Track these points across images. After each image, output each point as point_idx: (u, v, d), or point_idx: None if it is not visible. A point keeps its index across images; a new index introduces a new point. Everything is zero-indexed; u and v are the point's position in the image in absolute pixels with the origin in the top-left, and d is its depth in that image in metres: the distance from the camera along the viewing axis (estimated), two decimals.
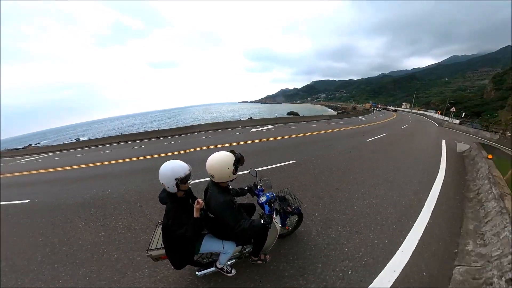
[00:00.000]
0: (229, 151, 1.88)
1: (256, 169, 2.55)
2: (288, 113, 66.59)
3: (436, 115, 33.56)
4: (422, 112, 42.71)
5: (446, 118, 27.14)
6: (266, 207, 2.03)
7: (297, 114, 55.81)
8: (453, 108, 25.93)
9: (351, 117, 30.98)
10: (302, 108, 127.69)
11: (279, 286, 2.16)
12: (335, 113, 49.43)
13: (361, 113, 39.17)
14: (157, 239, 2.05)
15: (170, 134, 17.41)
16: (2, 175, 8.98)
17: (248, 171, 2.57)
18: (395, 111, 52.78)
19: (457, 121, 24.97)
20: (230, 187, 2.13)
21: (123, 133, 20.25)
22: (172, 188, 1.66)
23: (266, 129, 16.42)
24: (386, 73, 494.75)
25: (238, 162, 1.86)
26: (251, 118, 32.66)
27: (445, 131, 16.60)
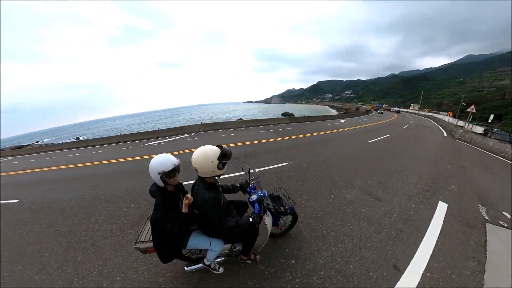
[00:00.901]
0: (216, 145, 1.83)
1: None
2: (283, 114, 63.70)
3: (446, 118, 27.13)
4: (430, 114, 37.10)
5: (461, 123, 20.33)
6: (256, 206, 1.92)
7: (291, 115, 53.12)
8: (473, 107, 16.12)
9: (334, 119, 27.93)
10: (304, 109, 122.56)
11: (268, 287, 2.12)
12: (336, 113, 48.94)
13: (361, 114, 36.38)
14: (146, 232, 2.02)
15: (156, 136, 17.12)
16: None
17: (242, 169, 2.51)
18: (398, 112, 48.69)
19: (479, 129, 16.72)
20: (219, 183, 2.07)
21: (121, 133, 21.08)
22: (159, 182, 1.66)
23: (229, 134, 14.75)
24: (397, 73, 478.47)
25: (224, 156, 1.79)
26: (241, 119, 31.40)
27: (457, 148, 9.35)
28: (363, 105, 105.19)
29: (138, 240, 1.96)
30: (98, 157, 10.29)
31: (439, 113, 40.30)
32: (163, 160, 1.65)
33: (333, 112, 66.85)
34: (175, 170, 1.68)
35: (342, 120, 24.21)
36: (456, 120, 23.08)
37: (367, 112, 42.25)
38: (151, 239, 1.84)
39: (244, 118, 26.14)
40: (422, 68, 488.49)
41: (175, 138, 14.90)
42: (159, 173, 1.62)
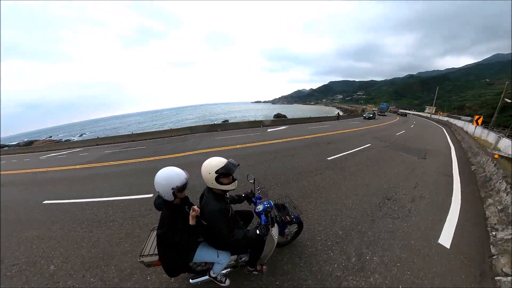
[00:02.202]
0: (226, 159, 1.79)
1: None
2: (275, 116, 58.61)
3: (469, 127, 15.77)
4: (447, 119, 27.54)
5: (507, 142, 10.13)
6: (263, 217, 1.90)
7: (284, 116, 48.09)
8: None
9: (324, 121, 24.08)
10: (308, 110, 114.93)
11: None
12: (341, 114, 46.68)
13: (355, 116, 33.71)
14: (151, 245, 2.01)
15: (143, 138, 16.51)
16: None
17: (247, 179, 2.46)
18: (404, 115, 42.26)
19: None
20: (227, 195, 2.05)
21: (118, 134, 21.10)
22: (169, 197, 1.62)
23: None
24: (414, 73, 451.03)
25: (222, 170, 1.72)
26: (227, 121, 29.59)
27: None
28: (374, 107, 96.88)
29: (142, 254, 1.94)
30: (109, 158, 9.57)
31: (460, 118, 31.65)
32: (175, 175, 1.62)
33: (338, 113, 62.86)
34: (187, 184, 1.67)
35: (336, 121, 21.59)
36: (487, 131, 12.53)
37: (363, 111, 40.43)
38: (155, 252, 1.83)
39: (240, 119, 23.45)
40: (443, 69, 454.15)
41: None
42: (172, 189, 1.59)
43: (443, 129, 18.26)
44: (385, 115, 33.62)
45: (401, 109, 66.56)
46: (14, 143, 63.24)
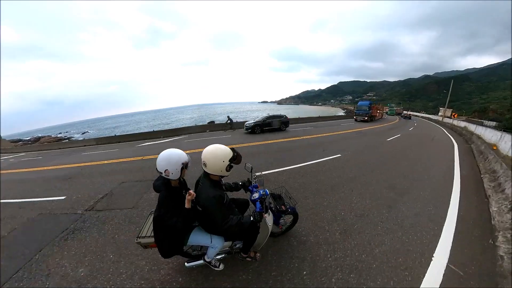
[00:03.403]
0: (230, 148, 1.84)
1: None
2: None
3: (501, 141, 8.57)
4: (464, 124, 17.74)
5: None
6: (258, 204, 1.89)
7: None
8: None
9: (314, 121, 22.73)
10: (312, 111, 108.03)
11: (267, 286, 2.05)
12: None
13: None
14: (148, 227, 2.05)
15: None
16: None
17: (244, 167, 2.40)
18: (408, 117, 36.82)
19: None
20: (223, 182, 2.11)
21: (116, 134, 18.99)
22: (176, 174, 1.66)
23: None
24: (431, 74, 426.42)
25: (234, 159, 1.82)
26: (213, 121, 27.69)
27: None
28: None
29: (139, 235, 1.98)
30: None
31: (482, 123, 24.88)
32: (180, 153, 1.68)
33: (342, 113, 64.55)
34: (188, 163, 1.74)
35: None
36: None
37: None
38: (152, 234, 1.87)
39: (234, 120, 18.01)
40: (463, 69, 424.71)
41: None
42: (182, 163, 1.64)
43: (453, 140, 10.57)
44: (365, 119, 23.17)
45: (410, 111, 62.00)
46: (27, 138, 67.30)
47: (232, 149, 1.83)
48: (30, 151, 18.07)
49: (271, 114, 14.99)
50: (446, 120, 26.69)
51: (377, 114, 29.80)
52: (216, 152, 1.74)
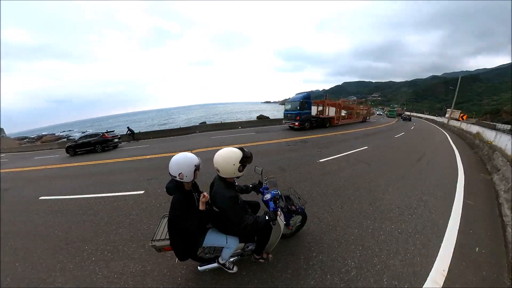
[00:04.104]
0: (238, 148, 1.82)
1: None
2: (258, 117, 53.80)
3: None
4: (477, 129, 12.14)
5: None
6: (271, 203, 1.95)
7: (267, 117, 42.26)
8: None
9: None
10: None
11: (280, 286, 2.00)
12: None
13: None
14: (162, 230, 2.05)
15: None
16: None
17: (254, 170, 2.43)
18: (408, 119, 31.92)
19: None
20: (236, 183, 2.11)
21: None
22: (190, 176, 1.66)
23: None
24: (439, 75, 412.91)
25: (246, 159, 1.80)
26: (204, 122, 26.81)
27: None
28: (379, 109, 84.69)
29: (154, 238, 1.95)
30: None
31: (494, 126, 20.78)
32: (192, 156, 1.70)
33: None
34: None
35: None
36: None
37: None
38: (167, 237, 1.86)
39: (226, 120, 20.91)
40: (473, 69, 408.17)
41: None
42: (195, 165, 1.66)
43: (461, 185, 6.44)
44: (295, 125, 14.18)
45: (414, 112, 58.94)
46: (33, 136, 68.61)
47: (241, 149, 1.82)
48: (24, 151, 17.61)
49: (89, 133, 13.08)
50: (453, 123, 21.90)
51: (350, 116, 21.32)
52: (225, 157, 1.74)
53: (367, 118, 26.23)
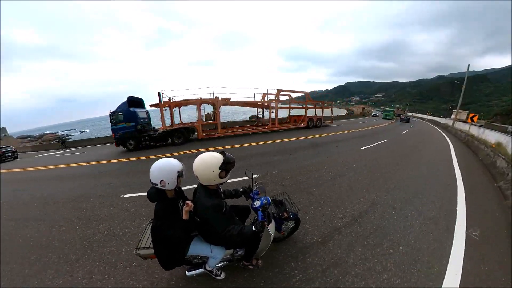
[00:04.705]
0: (220, 152, 1.76)
1: None
2: (250, 117, 51.60)
3: None
4: (496, 137, 8.00)
5: None
6: (260, 213, 1.83)
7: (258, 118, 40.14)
8: None
9: None
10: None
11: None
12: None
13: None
14: (147, 238, 1.99)
15: None
16: None
17: (245, 174, 2.45)
18: (406, 120, 28.64)
19: None
20: (221, 190, 2.04)
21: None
22: (173, 184, 1.62)
23: None
24: (445, 75, 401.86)
25: (227, 164, 1.70)
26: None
27: None
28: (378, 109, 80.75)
29: (139, 247, 1.93)
30: None
31: (506, 129, 17.35)
32: (175, 162, 1.65)
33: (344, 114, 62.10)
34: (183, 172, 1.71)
35: None
36: None
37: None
38: (151, 245, 1.80)
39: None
40: (481, 69, 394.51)
41: None
42: (178, 172, 1.60)
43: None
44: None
45: (417, 112, 55.20)
46: (36, 134, 69.30)
47: (223, 153, 1.74)
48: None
49: None
50: (460, 125, 17.77)
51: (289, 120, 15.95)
52: (204, 164, 1.67)
53: (320, 122, 17.63)
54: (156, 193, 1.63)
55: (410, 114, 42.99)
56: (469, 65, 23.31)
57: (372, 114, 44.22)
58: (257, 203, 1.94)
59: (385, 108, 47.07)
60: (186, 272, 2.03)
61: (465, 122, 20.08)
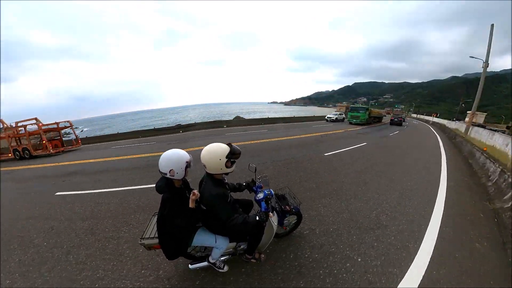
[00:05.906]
0: (227, 144, 1.82)
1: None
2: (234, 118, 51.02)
3: None
4: None
5: None
6: (263, 204, 1.88)
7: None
8: None
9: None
10: (313, 112, 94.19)
11: (272, 286, 2.02)
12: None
13: None
14: (152, 229, 2.02)
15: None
16: None
17: (248, 168, 2.41)
18: (398, 124, 24.62)
19: None
20: (226, 181, 2.05)
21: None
22: (181, 173, 1.65)
23: None
24: (460, 75, 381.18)
25: (233, 155, 1.77)
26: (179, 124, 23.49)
27: None
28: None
29: (143, 236, 1.95)
30: None
31: None
32: (183, 153, 1.68)
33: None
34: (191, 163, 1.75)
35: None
36: None
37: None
38: (156, 235, 1.83)
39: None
40: (499, 70, 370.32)
41: None
42: (186, 162, 1.64)
43: None
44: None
45: (425, 114, 49.73)
46: None
47: (229, 144, 1.80)
48: None
49: None
50: (476, 134, 11.72)
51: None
52: (211, 153, 1.72)
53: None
54: (165, 185, 1.66)
55: (414, 115, 36.43)
56: (486, 60, 16.31)
57: (327, 117, 26.64)
58: (260, 195, 1.99)
59: (351, 106, 28.14)
60: (189, 265, 2.03)
61: (483, 126, 13.78)
